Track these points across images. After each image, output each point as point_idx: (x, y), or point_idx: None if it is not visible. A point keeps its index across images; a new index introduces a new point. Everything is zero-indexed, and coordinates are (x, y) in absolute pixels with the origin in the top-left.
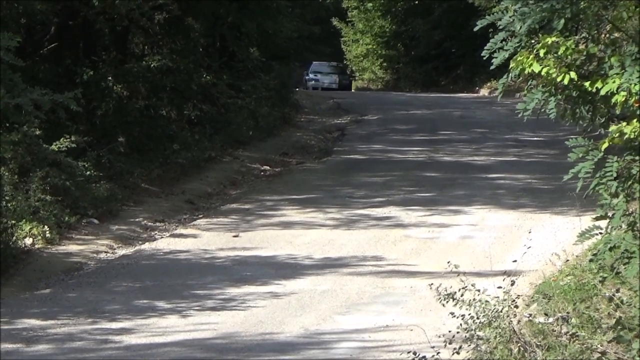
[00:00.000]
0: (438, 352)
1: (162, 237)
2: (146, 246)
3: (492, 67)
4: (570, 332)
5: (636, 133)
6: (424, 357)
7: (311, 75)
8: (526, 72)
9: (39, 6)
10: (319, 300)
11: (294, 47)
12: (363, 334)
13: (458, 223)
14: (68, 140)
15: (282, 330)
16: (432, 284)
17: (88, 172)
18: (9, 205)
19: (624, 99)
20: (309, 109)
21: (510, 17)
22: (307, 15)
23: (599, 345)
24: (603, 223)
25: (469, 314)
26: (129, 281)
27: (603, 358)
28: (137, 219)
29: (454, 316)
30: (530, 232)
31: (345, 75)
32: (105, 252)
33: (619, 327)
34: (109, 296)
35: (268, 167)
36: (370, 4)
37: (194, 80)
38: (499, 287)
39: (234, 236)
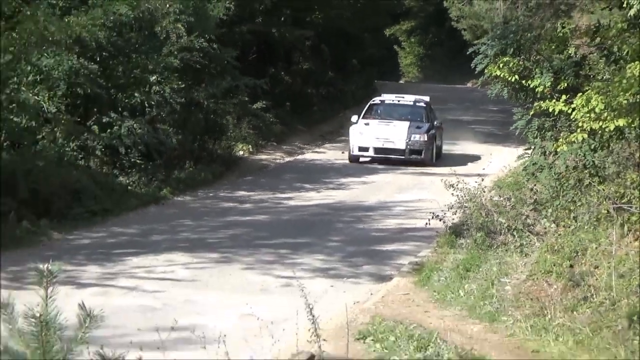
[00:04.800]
0: (444, 213)
1: (307, 152)
2: (299, 157)
3: (476, 72)
4: (511, 205)
5: (547, 107)
6: (437, 215)
7: (356, 131)
8: (493, 74)
9: (248, 35)
10: (385, 186)
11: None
12: (408, 203)
13: (454, 149)
14: (261, 103)
15: (367, 200)
16: (443, 179)
17: (271, 119)
18: (231, 134)
19: (542, 89)
20: None
21: (485, 47)
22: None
23: (525, 211)
24: (529, 152)
25: (461, 195)
26: (291, 174)
27: (526, 214)
28: (295, 143)
29: (453, 195)
30: (492, 155)
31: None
32: (280, 159)
33: (536, 203)
34: (281, 181)
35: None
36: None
37: (328, 75)
38: (476, 182)
39: (342, 152)
